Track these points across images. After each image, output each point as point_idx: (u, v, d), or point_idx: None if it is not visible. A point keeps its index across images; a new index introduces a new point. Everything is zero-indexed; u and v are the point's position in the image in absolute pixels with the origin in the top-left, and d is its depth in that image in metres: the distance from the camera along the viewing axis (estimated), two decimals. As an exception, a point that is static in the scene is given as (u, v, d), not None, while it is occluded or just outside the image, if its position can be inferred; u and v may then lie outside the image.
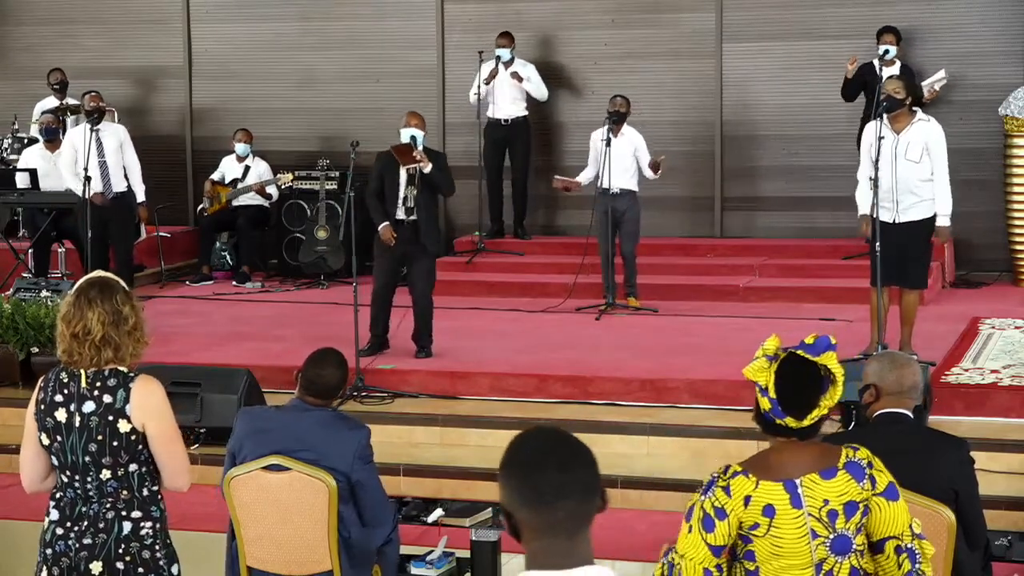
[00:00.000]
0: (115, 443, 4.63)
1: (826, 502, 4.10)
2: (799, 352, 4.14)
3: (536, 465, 2.87)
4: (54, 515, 4.74)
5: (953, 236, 12.78)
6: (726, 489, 4.14)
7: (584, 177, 11.89)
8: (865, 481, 4.12)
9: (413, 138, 10.06)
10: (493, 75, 13.47)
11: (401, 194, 10.05)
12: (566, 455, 2.88)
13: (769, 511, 4.11)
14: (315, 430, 5.73)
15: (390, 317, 10.24)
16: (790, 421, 4.12)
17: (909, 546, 4.16)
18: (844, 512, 4.11)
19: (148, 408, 4.66)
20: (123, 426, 4.64)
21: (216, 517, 5.97)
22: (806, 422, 4.12)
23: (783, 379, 4.13)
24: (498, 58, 13.50)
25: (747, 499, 4.12)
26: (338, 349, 6.04)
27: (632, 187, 11.73)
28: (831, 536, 4.11)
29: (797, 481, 4.12)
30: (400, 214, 10.07)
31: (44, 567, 4.73)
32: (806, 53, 13.54)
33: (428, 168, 9.99)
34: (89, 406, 4.64)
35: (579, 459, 2.89)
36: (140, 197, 12.58)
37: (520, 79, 13.44)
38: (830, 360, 4.14)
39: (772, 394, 4.12)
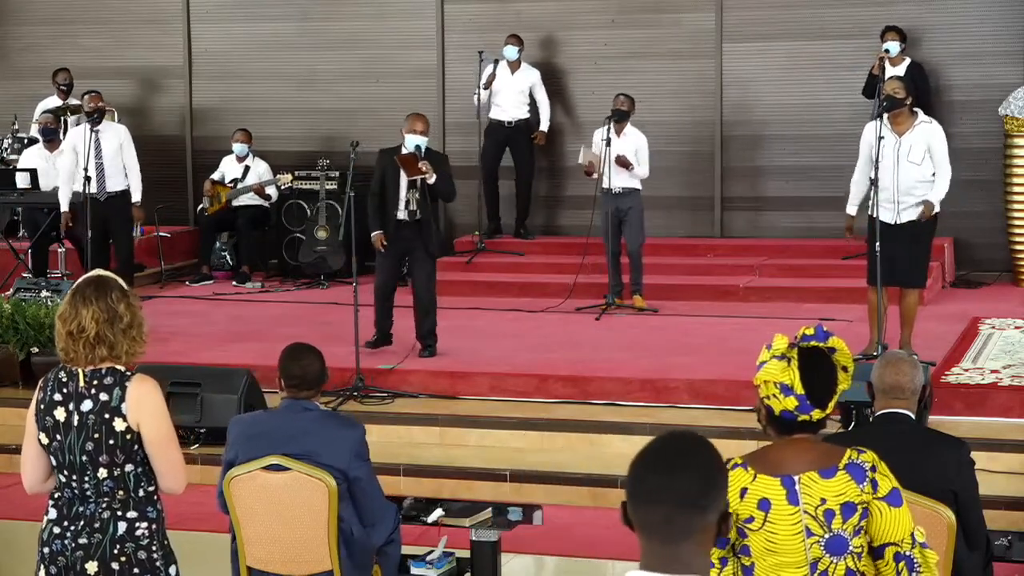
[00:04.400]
0: (111, 442, 4.63)
1: (823, 501, 4.09)
2: (811, 344, 4.15)
3: (644, 464, 2.86)
4: (52, 514, 4.73)
5: (953, 236, 12.85)
6: None
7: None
8: (865, 484, 4.10)
9: (418, 147, 10.06)
10: (491, 80, 13.48)
11: (403, 197, 10.09)
12: (673, 460, 2.84)
13: (764, 505, 4.11)
14: (310, 428, 5.72)
15: (392, 314, 10.26)
16: (816, 414, 4.12)
17: (908, 554, 4.13)
18: (841, 513, 4.10)
19: (143, 408, 4.65)
20: (119, 425, 4.63)
21: (216, 517, 5.97)
22: (828, 411, 4.13)
23: (807, 373, 4.12)
24: (496, 61, 13.50)
25: (743, 491, 4.12)
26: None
27: (635, 186, 11.73)
28: (826, 535, 4.10)
29: (795, 478, 4.12)
30: (402, 215, 10.11)
31: (42, 566, 4.73)
32: (806, 53, 13.54)
33: (432, 179, 10.01)
34: (87, 405, 4.64)
35: (688, 468, 2.83)
36: (135, 197, 12.50)
37: (543, 140, 13.64)
38: (839, 343, 4.16)
39: (799, 390, 4.10)
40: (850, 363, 4.20)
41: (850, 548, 4.12)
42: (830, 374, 4.15)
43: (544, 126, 13.74)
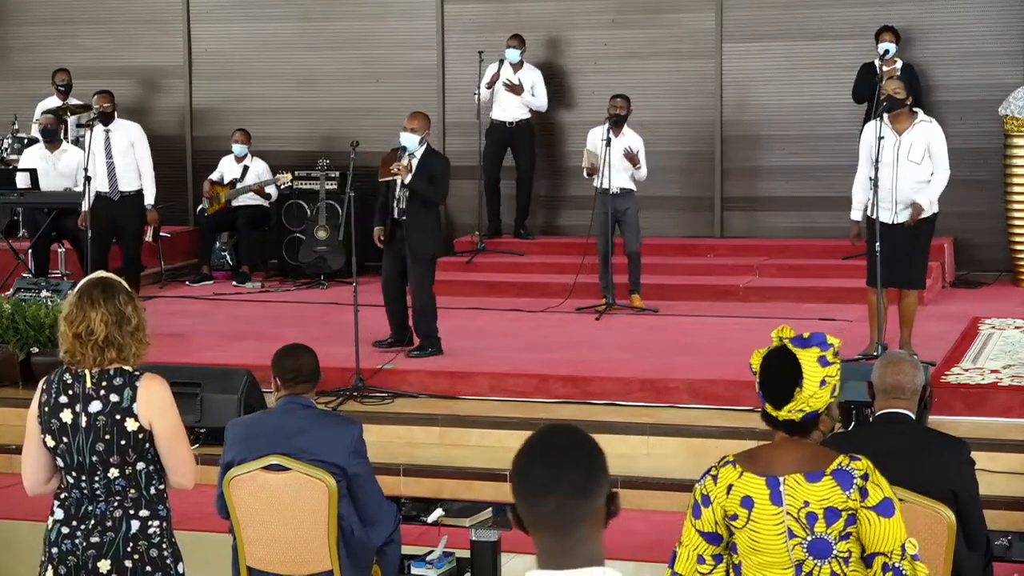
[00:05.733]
0: (123, 442, 4.63)
1: (806, 504, 4.09)
2: (787, 343, 4.18)
3: (529, 459, 2.87)
4: (59, 514, 4.72)
5: (953, 236, 12.85)
6: (715, 477, 4.22)
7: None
8: (852, 491, 4.08)
9: (403, 148, 10.08)
10: (494, 80, 13.46)
11: (397, 194, 10.13)
12: (557, 451, 2.87)
13: (747, 503, 4.13)
14: (307, 426, 5.73)
15: (406, 312, 10.26)
16: (769, 408, 4.18)
17: (897, 565, 4.10)
18: (824, 517, 4.08)
19: (155, 406, 4.67)
20: (131, 424, 4.64)
21: (215, 517, 5.97)
22: (783, 413, 4.13)
23: (766, 364, 4.20)
24: (501, 61, 13.49)
25: (729, 488, 4.17)
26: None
27: (631, 186, 11.75)
28: (808, 538, 4.10)
29: (780, 479, 4.13)
30: (396, 213, 10.15)
31: (49, 566, 4.72)
32: (806, 53, 13.54)
33: (407, 179, 10.02)
34: (96, 406, 4.64)
35: (571, 457, 2.86)
36: (148, 199, 12.41)
37: (519, 92, 13.44)
38: (804, 356, 4.13)
39: (758, 378, 4.21)
40: (815, 379, 4.12)
41: (834, 552, 4.11)
42: (787, 377, 4.14)
43: (536, 103, 13.61)
